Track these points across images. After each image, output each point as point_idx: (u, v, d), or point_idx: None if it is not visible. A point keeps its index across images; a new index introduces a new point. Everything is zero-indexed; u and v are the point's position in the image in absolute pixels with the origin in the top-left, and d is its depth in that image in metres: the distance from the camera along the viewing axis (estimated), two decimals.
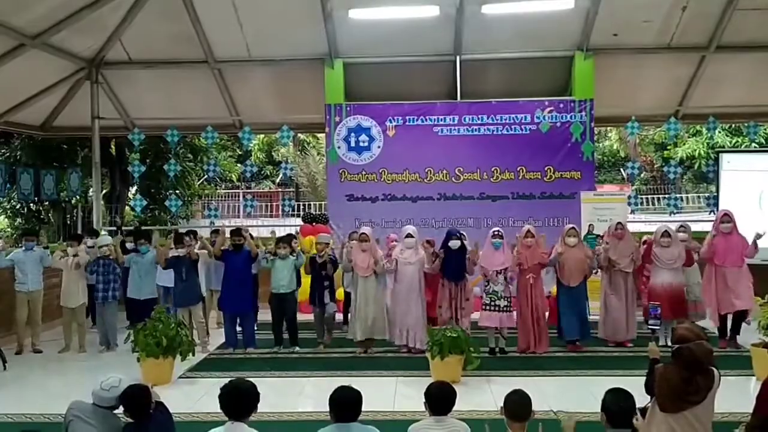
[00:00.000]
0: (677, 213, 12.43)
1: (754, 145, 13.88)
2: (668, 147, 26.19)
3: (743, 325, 8.62)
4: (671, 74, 12.13)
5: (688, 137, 22.05)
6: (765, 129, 16.54)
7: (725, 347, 8.47)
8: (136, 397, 4.43)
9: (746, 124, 12.56)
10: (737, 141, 20.55)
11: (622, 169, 28.09)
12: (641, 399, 4.48)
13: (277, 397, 7.01)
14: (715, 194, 11.76)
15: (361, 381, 7.23)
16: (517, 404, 4.21)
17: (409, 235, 8.56)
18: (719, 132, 20.93)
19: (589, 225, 10.61)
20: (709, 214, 11.86)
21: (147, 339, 7.28)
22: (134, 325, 7.81)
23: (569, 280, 8.44)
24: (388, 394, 6.81)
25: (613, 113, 12.56)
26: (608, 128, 24.37)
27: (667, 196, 18.07)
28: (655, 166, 29.73)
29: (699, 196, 22.24)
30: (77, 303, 9.12)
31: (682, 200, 14.42)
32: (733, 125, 20.76)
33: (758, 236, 8.39)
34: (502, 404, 4.29)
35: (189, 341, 7.54)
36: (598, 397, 6.39)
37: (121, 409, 4.48)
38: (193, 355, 7.61)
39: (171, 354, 7.37)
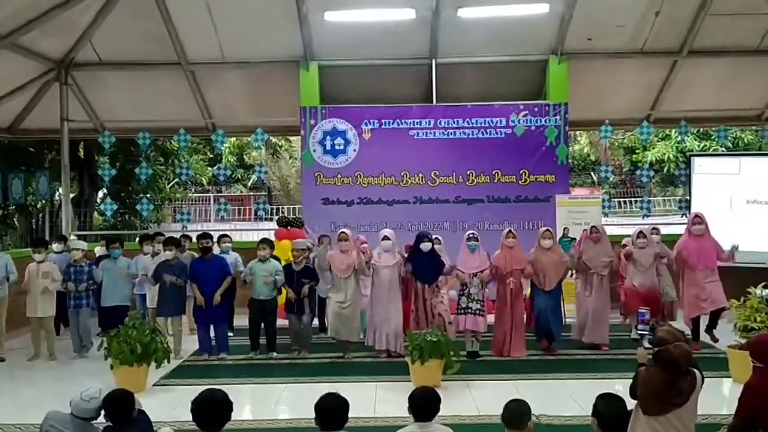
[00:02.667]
0: (649, 216, 12.56)
1: (722, 149, 14.09)
2: (637, 151, 26.58)
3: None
4: (644, 78, 12.25)
5: (658, 141, 22.36)
6: (733, 133, 16.78)
7: (698, 350, 8.54)
8: (120, 402, 4.35)
9: (715, 129, 12.75)
10: (705, 145, 20.91)
11: (592, 173, 28.43)
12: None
13: (254, 404, 6.93)
14: (687, 197, 11.90)
15: (340, 386, 7.16)
16: (515, 412, 4.20)
17: (385, 238, 8.51)
18: (688, 136, 21.28)
19: (564, 228, 10.67)
20: (681, 216, 12.01)
21: (121, 346, 7.12)
22: (107, 333, 7.60)
23: (545, 283, 8.46)
24: (368, 399, 6.74)
25: (587, 117, 12.62)
26: (578, 132, 24.62)
27: (639, 199, 18.31)
28: (624, 169, 30.16)
29: (669, 199, 22.60)
30: (45, 314, 8.79)
31: (651, 204, 14.50)
32: (702, 129, 21.12)
33: (735, 248, 8.51)
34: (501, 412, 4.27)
35: (164, 348, 7.38)
36: (577, 400, 6.48)
37: (100, 419, 4.36)
38: (168, 362, 7.46)
39: (145, 361, 7.21)
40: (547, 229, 8.67)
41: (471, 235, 8.44)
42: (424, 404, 4.31)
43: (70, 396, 4.50)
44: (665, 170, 22.98)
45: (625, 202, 26.15)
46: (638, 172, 13.13)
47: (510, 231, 8.56)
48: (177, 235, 9.95)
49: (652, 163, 22.53)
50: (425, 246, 8.33)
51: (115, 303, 9.07)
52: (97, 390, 4.45)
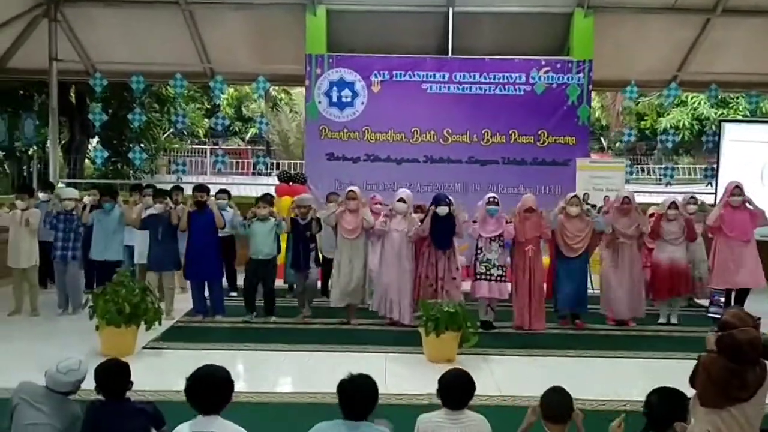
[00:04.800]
0: (671, 184, 11.92)
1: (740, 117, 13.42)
2: (646, 117, 25.79)
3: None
4: (673, 37, 11.52)
5: (673, 107, 21.59)
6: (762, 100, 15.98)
7: None
8: (113, 374, 3.83)
9: (743, 95, 12.05)
10: (722, 113, 20.16)
11: (602, 138, 27.69)
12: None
13: (251, 373, 6.34)
14: (713, 166, 11.25)
15: (346, 357, 6.65)
16: (558, 404, 3.56)
17: (401, 200, 7.86)
18: (704, 103, 20.53)
19: (584, 194, 9.99)
20: (706, 186, 11.38)
21: (108, 305, 6.49)
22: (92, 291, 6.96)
23: (570, 250, 7.83)
24: (377, 372, 5.95)
25: (609, 76, 11.90)
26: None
27: (652, 167, 17.64)
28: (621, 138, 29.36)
29: (687, 168, 21.92)
30: (28, 263, 8.19)
31: (675, 171, 13.85)
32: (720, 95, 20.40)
33: (750, 201, 7.98)
34: (538, 404, 3.64)
35: (155, 309, 6.76)
36: (604, 380, 5.91)
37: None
38: (160, 324, 6.84)
39: (134, 323, 6.58)
40: (575, 195, 8.01)
41: (492, 199, 7.78)
42: (458, 390, 3.70)
43: (49, 358, 3.98)
44: (680, 138, 22.24)
45: (637, 170, 25.42)
46: (661, 136, 12.45)
47: (530, 207, 7.88)
48: (170, 187, 9.27)
49: (666, 130, 21.83)
50: (442, 210, 7.67)
51: (106, 258, 8.38)
52: (76, 362, 3.91)
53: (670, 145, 12.66)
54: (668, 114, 22.13)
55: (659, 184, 20.99)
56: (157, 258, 8.05)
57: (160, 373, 6.06)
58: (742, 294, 8.04)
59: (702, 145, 24.45)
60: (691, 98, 21.07)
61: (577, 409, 3.63)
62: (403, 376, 6.10)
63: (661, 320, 8.11)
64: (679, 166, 15.71)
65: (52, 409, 3.76)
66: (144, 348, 6.81)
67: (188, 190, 9.86)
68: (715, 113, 20.30)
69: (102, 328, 6.52)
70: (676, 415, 3.59)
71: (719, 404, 3.78)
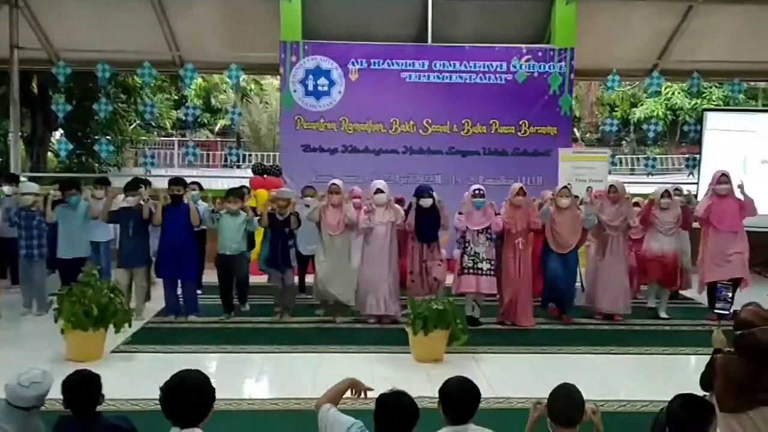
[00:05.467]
0: (653, 174, 11.77)
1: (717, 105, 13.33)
2: (617, 108, 25.81)
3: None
4: (654, 25, 11.35)
5: (646, 98, 21.61)
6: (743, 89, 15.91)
7: (715, 320, 7.80)
8: (82, 388, 3.43)
9: (716, 84, 11.95)
10: (696, 103, 20.18)
11: (575, 129, 27.64)
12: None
13: (230, 379, 5.95)
14: (695, 155, 11.12)
15: (331, 358, 6.31)
16: (568, 407, 3.23)
17: (378, 191, 7.53)
18: (677, 93, 20.55)
19: (567, 185, 9.75)
20: (688, 176, 11.25)
21: (74, 307, 6.07)
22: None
23: (560, 246, 7.58)
24: (364, 375, 5.68)
25: (590, 65, 11.68)
26: None
27: (628, 156, 17.56)
28: (600, 127, 29.44)
29: (668, 158, 21.95)
30: None
31: (660, 161, 13.74)
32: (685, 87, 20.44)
33: (741, 186, 7.75)
34: (545, 404, 3.30)
35: (125, 310, 6.35)
36: (599, 378, 5.69)
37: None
38: (130, 326, 6.43)
39: (102, 325, 6.17)
40: (565, 186, 7.76)
41: (477, 191, 7.47)
42: (464, 402, 3.35)
43: (10, 365, 3.84)
44: (645, 129, 22.31)
45: (623, 160, 25.44)
46: (645, 126, 12.26)
47: (521, 188, 7.62)
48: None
49: (640, 120, 21.85)
50: (426, 201, 7.38)
51: (73, 255, 7.91)
52: (40, 373, 3.54)
53: (651, 134, 12.53)
54: (642, 104, 22.14)
55: (633, 173, 21.11)
56: (128, 254, 7.61)
57: (131, 378, 5.68)
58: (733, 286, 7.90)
59: (675, 135, 24.73)
60: (665, 88, 21.05)
61: (591, 406, 3.31)
62: (391, 378, 5.76)
63: (650, 304, 7.94)
64: (655, 156, 15.55)
65: (14, 428, 3.39)
66: (113, 351, 6.40)
67: (157, 184, 9.48)
68: (689, 103, 20.32)
69: (68, 332, 6.10)
70: (702, 427, 3.29)
71: (739, 408, 3.58)
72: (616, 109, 25.84)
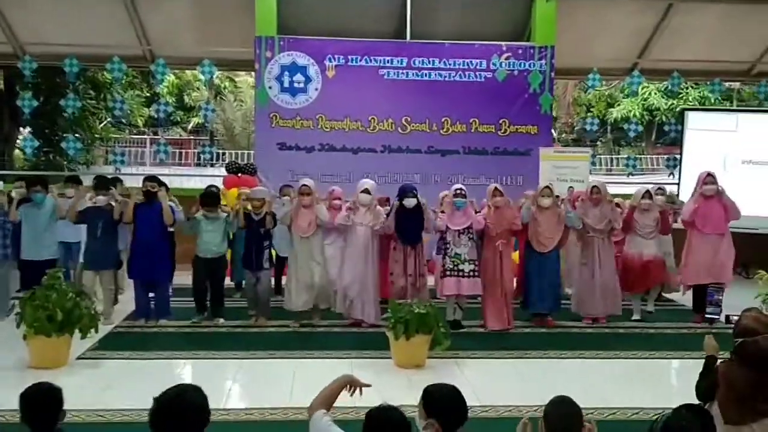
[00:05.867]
0: (634, 174, 11.67)
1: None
2: (592, 108, 25.82)
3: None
4: (634, 24, 11.27)
5: (623, 98, 21.61)
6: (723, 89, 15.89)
7: (700, 323, 7.71)
8: (41, 403, 3.09)
9: (693, 84, 11.90)
10: (672, 103, 20.21)
11: (552, 130, 27.69)
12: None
13: (203, 386, 5.65)
14: (676, 155, 11.04)
15: (308, 364, 6.05)
16: (566, 419, 3.01)
17: (365, 191, 7.29)
18: (654, 93, 20.57)
19: (549, 184, 9.61)
20: (669, 176, 11.16)
21: (37, 311, 5.75)
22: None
23: (542, 246, 7.40)
24: None
25: (570, 64, 11.55)
26: None
27: (624, 156, 17.49)
28: (576, 128, 29.49)
29: (649, 158, 21.96)
30: None
31: (640, 161, 13.68)
32: (665, 86, 20.45)
33: (723, 193, 7.63)
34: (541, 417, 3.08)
35: (91, 314, 6.03)
36: (589, 385, 5.51)
37: None
38: (96, 331, 6.11)
39: (68, 331, 5.85)
40: (547, 186, 7.59)
41: (458, 191, 7.26)
42: (452, 414, 3.12)
43: None
44: (626, 129, 22.30)
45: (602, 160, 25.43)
46: (625, 126, 12.17)
47: (496, 188, 7.44)
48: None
49: (617, 120, 21.85)
50: (410, 202, 7.15)
51: (39, 257, 7.54)
52: None
53: (632, 134, 12.44)
54: (619, 104, 22.14)
55: (611, 173, 21.10)
56: (96, 255, 7.29)
57: (97, 387, 5.38)
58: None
59: (651, 135, 24.80)
60: (642, 88, 21.10)
61: (589, 423, 3.11)
62: (372, 385, 5.55)
63: (635, 317, 7.79)
64: (636, 156, 15.47)
65: None
66: (79, 358, 6.08)
67: (128, 182, 9.16)
68: (666, 103, 20.36)
69: (30, 338, 5.77)
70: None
71: (742, 420, 3.40)
72: (591, 109, 25.85)
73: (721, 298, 4.78)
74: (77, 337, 5.97)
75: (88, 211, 7.29)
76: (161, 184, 7.56)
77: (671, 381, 6.30)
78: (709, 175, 7.70)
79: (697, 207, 7.64)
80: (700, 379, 3.82)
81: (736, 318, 6.45)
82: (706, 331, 7.20)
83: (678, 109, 20.19)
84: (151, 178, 7.50)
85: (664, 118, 19.42)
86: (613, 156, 22.94)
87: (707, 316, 4.44)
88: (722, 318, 7.24)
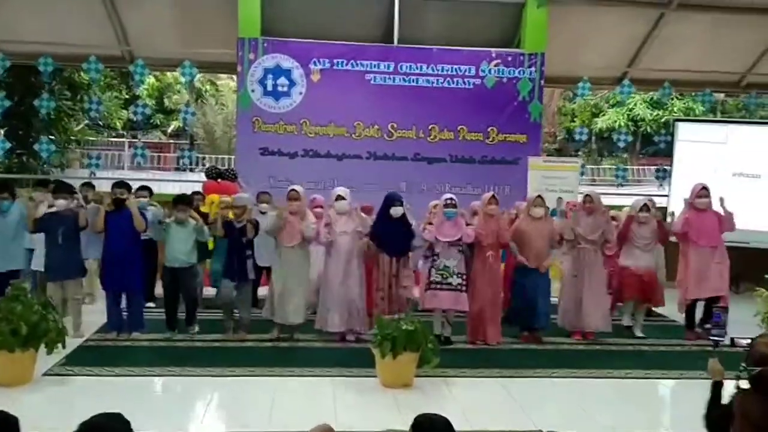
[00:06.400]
0: (624, 185, 11.48)
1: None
2: (575, 118, 25.72)
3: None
4: (624, 32, 11.04)
5: (608, 108, 21.51)
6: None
7: (693, 340, 7.50)
8: None
9: (699, 93, 11.74)
10: (658, 114, 20.14)
11: None
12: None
13: (176, 407, 5.35)
14: (665, 167, 10.87)
15: (287, 382, 5.74)
16: None
17: (339, 197, 6.99)
18: (640, 104, 20.48)
19: (540, 195, 9.38)
20: (658, 188, 10.98)
21: (0, 325, 5.39)
22: None
23: (533, 259, 7.14)
24: (325, 403, 5.27)
25: (559, 72, 11.31)
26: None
27: (613, 167, 17.33)
28: (558, 138, 29.40)
29: (639, 169, 21.85)
30: None
31: (629, 172, 13.51)
32: (654, 97, 20.36)
33: (721, 200, 7.49)
34: None
35: (58, 328, 5.68)
36: (585, 407, 5.26)
37: None
38: (63, 346, 5.75)
39: (33, 345, 5.51)
40: (539, 196, 7.35)
41: (449, 201, 6.98)
42: None
43: None
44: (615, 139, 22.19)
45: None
46: (616, 136, 11.97)
47: (493, 196, 7.19)
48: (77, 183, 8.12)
49: (602, 131, 21.73)
50: (396, 211, 6.87)
51: (5, 268, 7.14)
52: None
53: (622, 144, 12.26)
54: (604, 114, 22.02)
55: (595, 183, 20.97)
56: (59, 265, 6.85)
57: (64, 406, 5.09)
58: (709, 306, 7.59)
59: (635, 146, 24.73)
60: (627, 98, 21.07)
61: None
62: (356, 407, 5.27)
63: (625, 323, 7.58)
64: (625, 167, 15.27)
65: None
66: (45, 374, 5.72)
67: (104, 186, 8.78)
68: (651, 114, 20.27)
69: None
70: None
71: None
72: (575, 119, 25.74)
73: (725, 319, 4.55)
74: (43, 352, 5.64)
75: (46, 218, 6.84)
76: (130, 189, 7.22)
77: (669, 403, 6.09)
78: (704, 188, 7.53)
79: (689, 219, 7.45)
80: (708, 408, 3.59)
81: (742, 340, 6.29)
82: (701, 350, 7.07)
83: (664, 120, 20.26)
84: (120, 184, 7.16)
85: (649, 129, 19.40)
86: (599, 166, 22.80)
87: (711, 338, 4.22)
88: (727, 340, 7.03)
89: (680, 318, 7.90)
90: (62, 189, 7.06)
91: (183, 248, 6.95)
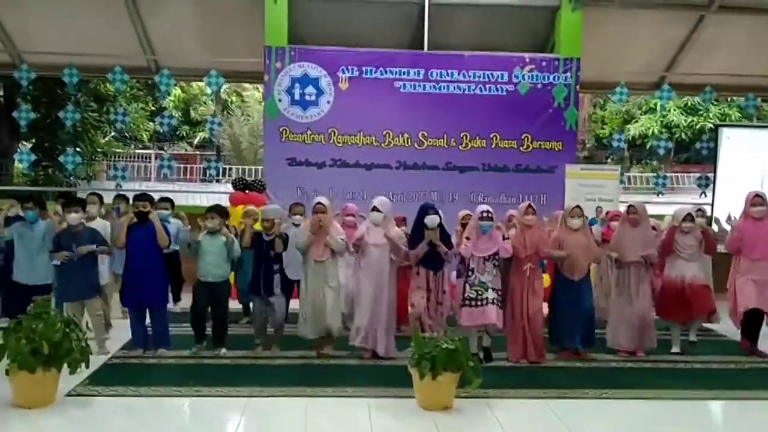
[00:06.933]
0: (663, 194, 11.06)
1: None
2: (605, 125, 25.23)
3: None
4: (662, 36, 10.76)
5: (641, 114, 21.01)
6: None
7: (745, 349, 7.10)
8: None
9: (741, 97, 11.30)
10: (693, 120, 19.62)
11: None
12: None
13: (204, 429, 5.08)
14: (707, 174, 10.44)
15: (321, 403, 5.43)
16: None
17: (375, 209, 6.69)
18: (674, 110, 19.97)
19: (578, 205, 9.02)
20: (700, 196, 10.56)
21: (21, 344, 5.16)
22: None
23: (573, 272, 6.78)
24: (361, 426, 4.97)
25: (594, 77, 10.98)
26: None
27: (653, 175, 16.89)
28: (587, 145, 28.89)
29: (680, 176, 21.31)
30: None
31: (668, 179, 13.10)
32: (690, 102, 19.86)
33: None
34: None
35: (82, 347, 5.43)
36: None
37: None
38: (87, 366, 5.51)
39: (55, 366, 5.26)
40: (577, 206, 6.98)
41: (485, 214, 6.62)
42: None
43: None
44: (648, 146, 21.70)
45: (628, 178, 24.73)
46: (654, 143, 11.59)
47: (530, 206, 6.84)
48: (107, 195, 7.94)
49: (635, 138, 21.25)
50: (432, 220, 6.55)
51: (34, 282, 6.93)
52: None
53: (662, 151, 11.85)
54: (637, 121, 21.54)
55: (627, 191, 20.48)
56: (76, 285, 6.59)
57: (86, 430, 4.79)
58: (757, 323, 7.18)
59: (669, 153, 24.14)
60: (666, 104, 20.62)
61: None
62: (394, 430, 4.94)
63: (674, 350, 7.15)
64: (665, 174, 14.80)
65: None
66: (68, 395, 5.47)
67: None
68: (686, 120, 19.76)
69: (13, 373, 5.18)
70: None
71: None
72: (604, 126, 25.26)
73: None
74: (66, 372, 5.40)
75: (61, 236, 6.58)
76: (153, 202, 6.98)
77: (727, 426, 5.67)
78: (758, 195, 7.11)
79: (742, 230, 7.04)
80: None
81: None
82: (756, 367, 6.66)
83: (699, 126, 19.73)
84: (142, 197, 6.89)
85: (683, 136, 18.91)
86: (630, 174, 22.29)
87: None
88: None
89: (729, 332, 7.49)
90: (73, 202, 6.77)
91: (217, 261, 6.71)
